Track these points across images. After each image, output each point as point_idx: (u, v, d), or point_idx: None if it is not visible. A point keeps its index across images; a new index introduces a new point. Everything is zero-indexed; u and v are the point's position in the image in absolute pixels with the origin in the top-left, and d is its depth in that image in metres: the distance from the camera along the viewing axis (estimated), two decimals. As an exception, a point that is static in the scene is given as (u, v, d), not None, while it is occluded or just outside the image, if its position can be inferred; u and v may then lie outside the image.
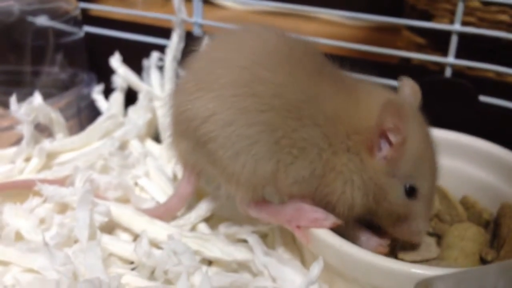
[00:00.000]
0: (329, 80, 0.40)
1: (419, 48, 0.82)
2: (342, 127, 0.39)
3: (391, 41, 0.97)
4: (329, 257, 0.38)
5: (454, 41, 0.52)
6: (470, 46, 0.70)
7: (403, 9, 0.89)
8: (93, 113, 0.64)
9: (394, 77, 0.54)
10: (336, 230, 0.40)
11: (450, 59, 0.53)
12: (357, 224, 0.42)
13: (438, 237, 0.46)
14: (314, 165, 0.39)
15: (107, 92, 0.67)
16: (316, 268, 0.36)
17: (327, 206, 0.40)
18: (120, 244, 0.43)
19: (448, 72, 0.54)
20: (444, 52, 0.76)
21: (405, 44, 0.88)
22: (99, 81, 0.68)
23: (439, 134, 0.50)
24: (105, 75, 0.68)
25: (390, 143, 0.38)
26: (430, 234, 0.47)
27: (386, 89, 0.42)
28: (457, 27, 0.51)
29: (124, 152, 0.53)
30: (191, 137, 0.40)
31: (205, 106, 0.39)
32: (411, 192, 0.39)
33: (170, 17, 0.64)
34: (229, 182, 0.40)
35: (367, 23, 1.09)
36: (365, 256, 0.36)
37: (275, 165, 0.39)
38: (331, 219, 0.39)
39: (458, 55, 0.71)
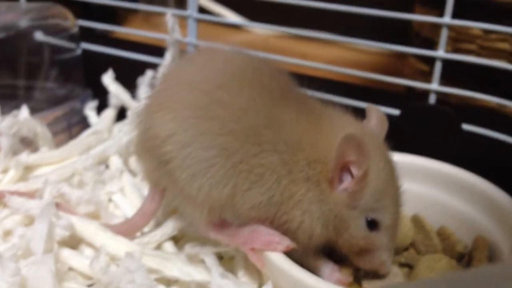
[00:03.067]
0: (293, 105, 0.39)
1: (423, 75, 0.81)
2: (303, 155, 0.38)
3: (399, 68, 0.96)
4: (281, 282, 0.38)
5: (438, 67, 0.51)
6: (472, 75, 0.69)
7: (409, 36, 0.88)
8: (86, 128, 0.65)
9: (396, 105, 0.54)
10: (298, 258, 0.39)
11: (434, 85, 0.51)
12: (320, 255, 0.41)
13: (410, 267, 0.45)
14: (272, 192, 0.38)
15: (104, 108, 0.68)
16: (264, 293, 0.36)
17: (287, 232, 0.39)
18: (80, 259, 0.43)
19: (432, 99, 0.52)
20: (446, 79, 0.75)
21: (411, 71, 0.87)
22: (96, 97, 0.69)
23: (420, 162, 0.49)
24: (102, 92, 0.69)
25: (351, 175, 0.37)
26: (402, 264, 0.46)
27: (352, 117, 0.41)
28: (440, 53, 0.50)
29: (99, 167, 0.53)
30: (154, 155, 0.40)
31: (166, 126, 0.39)
32: (372, 224, 0.38)
33: (163, 37, 0.65)
34: (187, 203, 0.40)
35: (378, 49, 1.09)
36: (313, 282, 0.35)
37: (231, 189, 0.38)
38: (285, 243, 0.38)
39: (459, 83, 0.70)
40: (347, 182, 0.38)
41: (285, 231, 0.39)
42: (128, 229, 0.45)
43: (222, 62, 0.40)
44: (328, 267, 0.41)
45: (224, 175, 0.38)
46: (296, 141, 0.38)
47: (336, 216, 0.38)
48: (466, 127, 0.51)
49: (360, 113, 0.42)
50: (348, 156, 0.36)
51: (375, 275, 0.41)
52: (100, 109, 0.67)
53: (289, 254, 0.39)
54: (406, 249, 0.47)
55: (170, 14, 0.62)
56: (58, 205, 0.46)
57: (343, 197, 0.38)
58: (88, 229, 0.44)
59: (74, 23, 0.66)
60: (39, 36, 0.63)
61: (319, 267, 0.41)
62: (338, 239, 0.39)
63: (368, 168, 0.36)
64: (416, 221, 0.48)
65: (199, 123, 0.38)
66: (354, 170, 0.37)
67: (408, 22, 0.84)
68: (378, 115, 0.42)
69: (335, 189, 0.38)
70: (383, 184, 0.38)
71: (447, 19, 0.50)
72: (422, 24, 0.78)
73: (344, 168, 0.37)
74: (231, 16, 1.28)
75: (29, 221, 0.47)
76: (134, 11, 1.18)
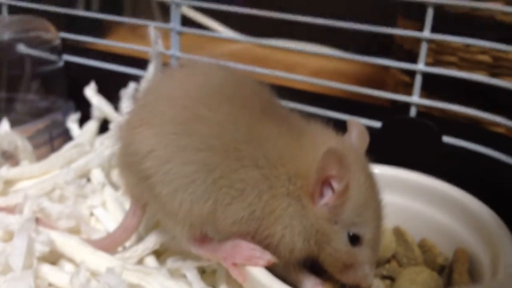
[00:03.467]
0: (274, 120, 0.39)
1: (406, 86, 0.82)
2: (284, 170, 0.38)
3: (384, 78, 0.97)
4: (262, 297, 0.37)
5: (418, 80, 0.52)
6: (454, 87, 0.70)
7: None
8: (68, 141, 0.64)
9: (379, 117, 0.54)
10: (280, 272, 0.39)
11: (415, 98, 0.52)
12: (302, 269, 0.41)
13: (392, 279, 0.45)
14: (253, 207, 0.38)
15: (86, 121, 0.67)
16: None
17: (269, 247, 0.39)
18: (60, 275, 0.42)
19: (413, 112, 0.53)
20: (428, 91, 0.76)
21: (394, 82, 0.88)
22: (79, 109, 0.68)
23: (401, 174, 0.50)
24: (85, 104, 0.68)
25: (332, 190, 0.37)
26: (384, 277, 0.46)
27: (333, 132, 0.41)
28: (420, 66, 0.51)
29: (80, 181, 0.53)
30: (135, 171, 0.40)
31: (146, 141, 0.39)
32: (354, 239, 0.38)
33: (146, 49, 0.65)
34: (168, 218, 0.40)
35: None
36: (294, 297, 0.35)
37: (212, 205, 0.38)
38: (267, 257, 0.38)
39: (441, 95, 0.71)
40: (328, 196, 0.38)
41: (267, 246, 0.39)
42: (109, 244, 0.45)
43: (202, 77, 0.40)
44: (310, 281, 0.41)
45: (205, 191, 0.38)
46: (277, 156, 0.38)
47: (317, 231, 0.38)
48: (447, 139, 0.52)
49: (343, 126, 0.42)
50: (329, 170, 0.36)
51: (357, 288, 0.42)
52: (83, 121, 0.67)
53: (271, 268, 0.39)
54: (388, 261, 0.47)
55: (152, 27, 0.62)
56: (38, 220, 0.46)
57: (324, 212, 0.38)
58: (68, 244, 0.44)
59: (56, 36, 0.66)
60: (21, 48, 0.63)
61: (302, 281, 0.41)
62: (320, 253, 0.39)
63: (349, 182, 0.37)
64: (398, 233, 0.48)
65: (179, 139, 0.38)
66: (335, 184, 0.37)
67: (391, 35, 0.84)
68: (359, 129, 0.42)
69: (316, 204, 0.38)
70: (364, 199, 0.38)
71: (426, 33, 0.50)
72: (405, 36, 0.79)
73: (325, 183, 0.37)
74: (217, 27, 1.29)
75: (9, 236, 0.46)
76: (120, 22, 1.18)
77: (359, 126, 0.42)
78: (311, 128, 0.41)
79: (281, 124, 0.39)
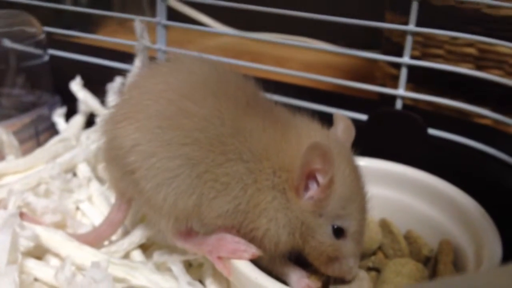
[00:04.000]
0: (259, 114, 0.39)
1: (394, 79, 0.82)
2: (269, 164, 0.38)
3: (373, 72, 0.97)
4: (247, 290, 0.37)
5: (403, 73, 0.52)
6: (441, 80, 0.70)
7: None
8: (54, 135, 0.64)
9: (366, 110, 0.54)
10: (266, 265, 0.40)
11: (400, 91, 0.52)
12: (288, 262, 0.41)
13: (378, 271, 0.45)
14: (238, 200, 0.38)
15: (73, 115, 0.67)
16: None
17: (254, 240, 0.39)
18: (45, 270, 0.42)
19: (399, 104, 0.53)
20: (415, 83, 0.76)
21: (381, 75, 0.88)
22: (65, 104, 0.68)
23: (387, 166, 0.50)
24: (72, 99, 0.68)
25: (317, 183, 0.37)
26: (370, 268, 0.46)
27: (318, 125, 0.41)
28: (406, 59, 0.51)
29: (66, 176, 0.52)
30: (119, 165, 0.40)
31: (130, 136, 0.39)
32: (338, 232, 0.38)
33: (132, 43, 0.64)
34: (153, 212, 0.40)
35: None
36: (279, 289, 0.36)
37: (197, 199, 0.38)
38: (251, 251, 0.38)
39: (428, 88, 0.71)
40: (313, 190, 0.38)
41: (252, 239, 0.39)
42: (94, 239, 0.45)
43: (187, 72, 0.40)
44: (296, 274, 0.41)
45: (190, 185, 0.37)
46: (262, 150, 0.38)
47: (302, 223, 0.38)
48: (433, 132, 0.52)
49: (331, 119, 0.43)
50: (314, 164, 0.36)
51: (342, 280, 0.42)
52: (69, 115, 0.67)
53: (257, 262, 0.39)
54: (374, 253, 0.47)
55: (138, 21, 0.61)
56: (23, 215, 0.46)
57: (309, 205, 0.38)
58: (53, 239, 0.44)
59: (41, 30, 0.65)
60: (5, 43, 0.62)
61: (288, 274, 0.41)
62: (305, 246, 0.39)
63: (334, 176, 0.37)
64: (384, 225, 0.48)
65: (164, 133, 0.38)
66: (319, 178, 0.37)
67: (380, 28, 0.85)
68: (345, 123, 0.42)
69: (301, 197, 0.38)
70: (349, 192, 0.38)
71: (411, 26, 0.50)
72: (392, 30, 0.79)
73: (310, 176, 0.37)
74: (206, 20, 1.28)
75: (-5, 232, 0.46)
76: (110, 17, 1.18)
77: (345, 120, 0.42)
78: (296, 121, 0.41)
79: (266, 117, 0.39)
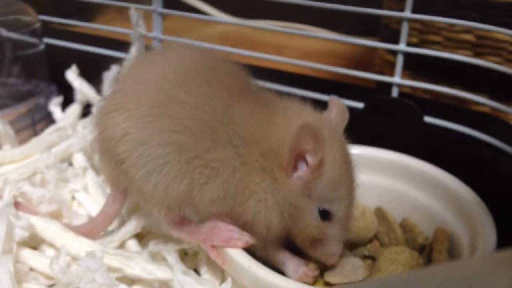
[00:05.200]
0: (249, 100, 0.39)
1: (391, 67, 0.81)
2: (258, 147, 0.38)
3: (371, 59, 0.96)
4: (241, 278, 0.38)
5: (400, 60, 0.51)
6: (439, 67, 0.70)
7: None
8: (51, 125, 0.64)
9: (363, 98, 0.54)
10: (262, 254, 0.40)
11: (396, 78, 0.52)
12: (284, 250, 0.41)
13: (373, 259, 0.46)
14: (228, 185, 0.38)
15: (70, 104, 0.66)
16: (223, 289, 0.36)
17: (245, 226, 0.39)
18: (41, 260, 0.42)
19: (395, 92, 0.53)
20: (412, 71, 0.75)
21: (380, 62, 0.88)
22: (61, 93, 0.68)
23: (383, 154, 0.50)
24: (68, 88, 0.68)
25: (306, 164, 0.37)
26: (365, 257, 0.46)
27: (310, 108, 0.41)
28: (402, 46, 0.50)
29: (62, 165, 0.52)
30: (111, 156, 0.40)
31: (120, 125, 0.39)
32: (325, 215, 0.38)
33: (128, 31, 0.64)
34: (145, 201, 0.40)
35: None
36: (273, 278, 0.36)
37: (188, 185, 0.38)
38: (245, 239, 0.38)
39: (426, 75, 0.70)
40: (302, 170, 0.38)
41: (243, 225, 0.39)
42: (90, 231, 0.45)
43: (178, 60, 0.40)
44: (293, 262, 0.41)
45: (179, 171, 0.37)
46: (251, 134, 0.38)
47: (290, 204, 0.38)
48: (429, 119, 0.51)
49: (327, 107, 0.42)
50: (304, 144, 0.36)
51: (337, 269, 0.42)
52: (66, 105, 0.66)
53: (252, 251, 0.39)
54: (369, 241, 0.47)
55: (133, 9, 0.61)
56: (19, 205, 0.46)
57: (298, 186, 0.38)
58: (48, 229, 0.44)
59: (36, 18, 0.65)
60: (0, 31, 0.62)
61: (285, 262, 0.41)
62: (293, 228, 0.39)
63: (324, 157, 0.37)
64: (380, 213, 0.48)
65: (154, 121, 0.38)
66: (309, 158, 0.37)
67: (378, 15, 0.84)
68: (339, 107, 0.42)
69: (290, 177, 0.38)
70: (338, 175, 0.38)
71: (407, 13, 0.50)
72: (390, 16, 0.78)
73: (300, 157, 0.37)
74: (204, 8, 1.27)
75: (-10, 221, 0.46)
76: (108, 5, 1.17)
77: (339, 104, 0.42)
78: (286, 105, 0.40)
79: (256, 102, 0.39)
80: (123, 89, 0.40)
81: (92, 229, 0.45)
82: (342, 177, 0.38)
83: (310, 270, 0.40)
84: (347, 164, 0.39)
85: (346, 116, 0.42)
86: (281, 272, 0.40)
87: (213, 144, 0.37)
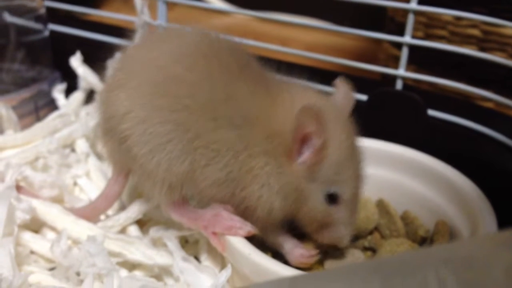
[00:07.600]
0: (252, 81, 0.39)
1: (396, 60, 0.81)
2: (261, 129, 0.38)
3: (376, 52, 0.96)
4: (241, 265, 0.38)
5: (404, 53, 0.51)
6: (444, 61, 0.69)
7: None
8: (54, 111, 0.64)
9: (368, 91, 0.53)
10: (259, 236, 0.39)
11: (401, 71, 0.51)
12: (282, 232, 0.41)
13: (374, 251, 0.46)
14: (230, 168, 0.38)
15: (73, 91, 0.66)
16: (223, 276, 0.36)
17: (247, 210, 0.39)
18: (42, 243, 0.42)
19: (399, 85, 0.52)
20: (417, 65, 0.75)
21: (385, 56, 0.88)
22: (65, 80, 0.68)
23: (386, 147, 0.50)
24: (72, 75, 0.68)
25: (311, 147, 0.37)
26: (366, 248, 0.46)
27: (313, 91, 0.40)
28: (407, 39, 0.50)
29: (64, 151, 0.52)
30: (114, 135, 0.40)
31: (122, 103, 0.39)
32: (331, 198, 0.38)
33: (132, 19, 0.64)
34: (147, 180, 0.39)
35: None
36: (273, 266, 0.36)
37: (189, 165, 0.38)
38: (246, 228, 0.38)
39: (431, 69, 0.70)
40: (306, 154, 0.37)
41: (245, 210, 0.39)
42: (90, 213, 0.45)
43: (178, 39, 0.40)
44: (290, 243, 0.41)
45: (182, 150, 0.37)
46: (253, 115, 0.38)
47: (295, 189, 0.38)
48: (433, 113, 0.51)
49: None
50: (307, 127, 0.36)
51: (337, 257, 0.42)
52: (69, 92, 0.66)
53: (253, 235, 0.39)
54: (370, 233, 0.47)
55: (139, -4, 0.61)
56: (21, 189, 0.46)
57: (302, 170, 0.37)
58: (50, 212, 0.44)
59: (41, 4, 0.65)
60: (5, 17, 0.62)
61: (282, 243, 0.41)
62: (298, 213, 0.39)
63: (328, 140, 0.36)
64: (381, 205, 0.48)
65: (154, 99, 0.38)
66: (313, 141, 0.36)
67: (384, 8, 0.84)
68: (344, 90, 0.41)
69: (294, 161, 0.37)
70: (343, 157, 0.38)
71: (413, 5, 0.50)
72: (396, 9, 0.78)
73: (304, 140, 0.37)
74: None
75: (-8, 205, 0.46)
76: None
77: (345, 87, 0.41)
78: (289, 87, 0.40)
79: (259, 83, 0.39)
80: (124, 68, 0.41)
81: (93, 211, 0.45)
82: (347, 159, 0.38)
83: (306, 250, 0.40)
84: (352, 146, 0.39)
85: (351, 99, 0.41)
86: (281, 259, 0.40)
87: (214, 124, 0.37)
